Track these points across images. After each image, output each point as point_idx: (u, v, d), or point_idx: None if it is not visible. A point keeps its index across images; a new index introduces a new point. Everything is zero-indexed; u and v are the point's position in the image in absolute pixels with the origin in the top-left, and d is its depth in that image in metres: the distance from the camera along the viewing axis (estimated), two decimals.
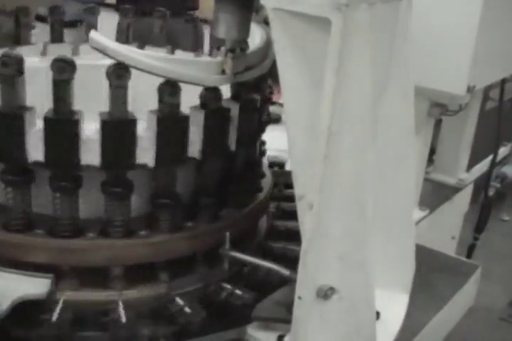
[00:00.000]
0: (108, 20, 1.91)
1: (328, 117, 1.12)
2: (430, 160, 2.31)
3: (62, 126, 1.28)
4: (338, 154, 1.15)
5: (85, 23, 1.88)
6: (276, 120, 2.02)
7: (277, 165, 2.06)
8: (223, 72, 1.34)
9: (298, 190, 1.23)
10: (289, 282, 1.42)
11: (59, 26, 1.86)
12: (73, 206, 1.37)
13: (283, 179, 1.91)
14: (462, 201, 2.47)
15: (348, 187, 1.20)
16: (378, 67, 1.20)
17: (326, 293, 1.24)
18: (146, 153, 1.32)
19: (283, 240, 1.69)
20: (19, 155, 1.30)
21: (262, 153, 1.71)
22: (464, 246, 2.58)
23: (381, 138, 1.25)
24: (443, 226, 2.36)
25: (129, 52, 1.28)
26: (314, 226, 1.21)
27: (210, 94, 1.36)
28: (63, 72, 1.25)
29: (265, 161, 1.85)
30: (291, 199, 1.87)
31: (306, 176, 1.19)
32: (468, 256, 2.55)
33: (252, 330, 1.41)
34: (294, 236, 1.69)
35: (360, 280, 1.28)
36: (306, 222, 1.21)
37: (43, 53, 1.79)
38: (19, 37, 1.79)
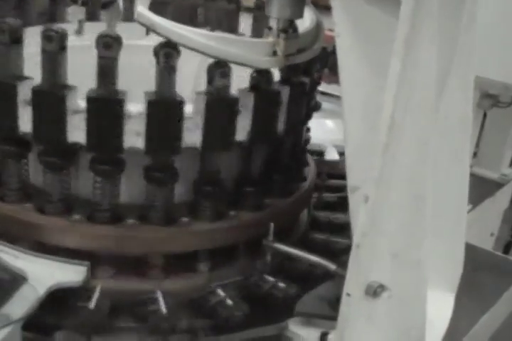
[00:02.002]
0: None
1: (392, 106, 1.05)
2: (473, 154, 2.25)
3: (106, 106, 1.21)
4: (399, 145, 1.09)
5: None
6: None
7: (316, 154, 2.00)
8: (274, 53, 1.27)
9: (352, 181, 1.17)
10: (334, 276, 1.36)
11: (95, 4, 1.81)
12: (114, 191, 1.31)
13: (325, 168, 1.85)
14: (504, 197, 2.39)
15: (407, 180, 1.13)
16: (444, 56, 1.13)
17: (375, 291, 1.18)
18: (192, 137, 1.26)
19: (325, 232, 1.63)
20: (59, 137, 1.24)
21: (307, 140, 1.65)
22: (499, 244, 2.51)
23: (438, 130, 1.18)
24: (483, 223, 2.28)
25: (179, 29, 1.21)
26: (369, 220, 1.14)
27: (262, 77, 1.30)
28: (109, 48, 1.19)
29: None
30: (334, 189, 1.83)
31: (363, 167, 1.13)
32: (505, 253, 2.48)
33: (293, 326, 1.35)
34: (337, 228, 1.66)
35: (413, 279, 1.22)
36: (360, 216, 1.15)
37: (79, 31, 1.72)
38: (54, 14, 1.74)
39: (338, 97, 2.11)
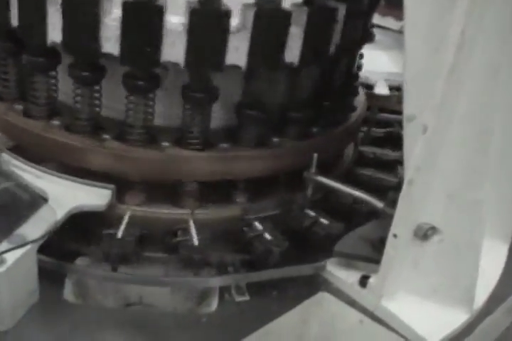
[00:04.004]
0: None
1: (463, 21, 0.94)
2: None
3: (144, 12, 1.09)
4: (467, 68, 0.98)
5: None
6: None
7: (366, 88, 1.87)
8: None
9: (409, 109, 1.06)
10: (380, 216, 1.26)
11: None
12: (148, 110, 1.21)
13: (374, 102, 1.74)
14: None
15: (473, 110, 1.02)
16: None
17: (425, 233, 1.10)
18: (236, 54, 1.13)
19: (372, 168, 1.53)
20: (91, 47, 1.12)
21: (359, 67, 1.52)
22: None
23: None
24: None
25: None
26: (425, 153, 1.04)
27: None
28: None
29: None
30: (383, 124, 1.72)
31: (423, 93, 1.02)
32: None
33: (331, 267, 1.26)
34: (384, 165, 1.55)
35: (468, 223, 1.12)
36: (416, 148, 1.04)
37: None
38: None
39: (392, 31, 1.98)
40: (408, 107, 1.06)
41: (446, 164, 1.05)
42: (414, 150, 1.05)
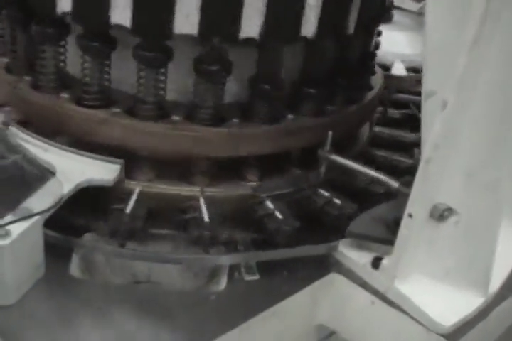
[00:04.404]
0: None
1: None
2: None
3: None
4: (492, 41, 0.94)
5: None
6: None
7: (382, 68, 1.84)
8: None
9: (428, 85, 1.03)
10: (394, 197, 1.23)
11: None
12: (159, 84, 1.18)
13: (391, 83, 1.69)
14: None
15: (494, 85, 0.98)
16: None
17: (442, 214, 1.07)
18: (251, 26, 1.10)
19: (387, 149, 1.49)
20: (101, 17, 1.10)
21: (377, 45, 1.49)
22: None
23: None
24: None
25: None
26: (444, 130, 1.01)
27: None
28: None
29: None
30: (399, 106, 1.69)
31: (443, 67, 0.99)
32: None
33: (344, 247, 1.23)
34: (400, 147, 1.52)
35: (486, 203, 1.08)
36: (434, 125, 1.01)
37: None
38: None
39: (411, 12, 1.94)
40: (428, 82, 1.03)
41: (466, 142, 1.02)
42: (432, 127, 1.01)
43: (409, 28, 2.06)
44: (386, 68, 1.87)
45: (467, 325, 1.14)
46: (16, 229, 1.00)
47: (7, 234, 0.99)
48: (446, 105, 0.98)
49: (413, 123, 1.62)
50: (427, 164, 1.04)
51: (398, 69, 1.90)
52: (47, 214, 1.05)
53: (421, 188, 1.06)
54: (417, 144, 1.52)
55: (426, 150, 1.03)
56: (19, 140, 1.22)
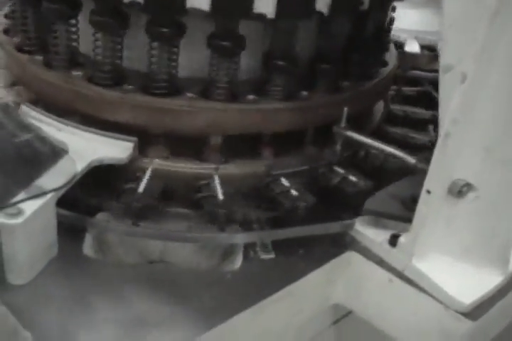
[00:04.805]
0: None
1: None
2: None
3: None
4: None
5: None
6: None
7: (396, 46, 1.82)
8: None
9: (446, 59, 1.00)
10: (412, 173, 1.21)
11: None
12: (172, 60, 1.16)
13: (405, 61, 1.68)
14: None
15: None
16: None
17: (460, 190, 1.05)
18: (264, 0, 1.08)
19: (402, 127, 1.48)
20: None
21: (392, 20, 1.46)
22: None
23: None
24: None
25: None
26: (463, 104, 0.99)
27: None
28: None
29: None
30: (414, 83, 1.67)
31: (462, 39, 0.96)
32: None
33: (360, 225, 1.21)
34: (415, 124, 1.50)
35: (506, 179, 1.06)
36: (453, 99, 0.99)
37: None
38: None
39: None
40: (446, 56, 1.00)
41: (486, 116, 0.99)
42: (451, 102, 0.99)
43: (423, 5, 2.03)
44: (400, 45, 1.84)
45: (486, 303, 1.12)
46: (29, 207, 0.99)
47: (20, 212, 0.97)
48: (465, 78, 0.96)
49: (427, 100, 1.61)
50: (445, 139, 1.02)
51: (412, 47, 1.87)
52: (60, 193, 1.04)
53: (439, 164, 1.04)
54: (431, 121, 1.51)
55: (445, 125, 1.01)
56: (31, 119, 1.20)
